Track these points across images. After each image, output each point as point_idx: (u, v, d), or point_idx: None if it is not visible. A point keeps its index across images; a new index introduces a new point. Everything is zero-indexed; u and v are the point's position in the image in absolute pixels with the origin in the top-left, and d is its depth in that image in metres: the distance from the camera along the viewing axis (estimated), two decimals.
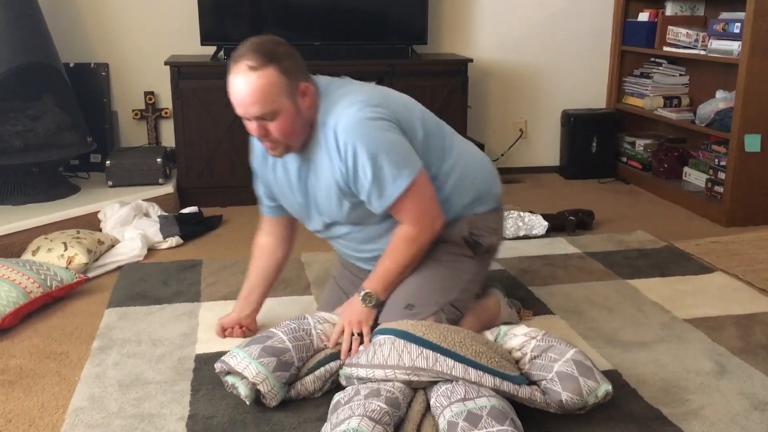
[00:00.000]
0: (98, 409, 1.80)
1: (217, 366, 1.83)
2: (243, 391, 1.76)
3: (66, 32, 3.73)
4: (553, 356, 1.78)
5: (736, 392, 1.89)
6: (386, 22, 3.86)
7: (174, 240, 3.04)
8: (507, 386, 1.71)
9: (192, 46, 3.77)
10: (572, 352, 1.79)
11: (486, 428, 1.55)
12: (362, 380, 1.78)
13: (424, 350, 1.74)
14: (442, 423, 1.62)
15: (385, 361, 1.75)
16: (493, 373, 1.71)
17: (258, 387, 1.75)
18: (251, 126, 1.81)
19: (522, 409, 1.71)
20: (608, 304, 2.44)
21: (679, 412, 1.79)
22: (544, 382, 1.75)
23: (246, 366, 1.76)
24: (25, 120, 3.26)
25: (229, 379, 1.80)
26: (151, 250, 2.99)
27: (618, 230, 3.27)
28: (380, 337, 1.81)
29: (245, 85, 1.75)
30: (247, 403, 1.78)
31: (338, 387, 1.87)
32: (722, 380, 1.95)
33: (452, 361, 1.72)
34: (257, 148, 2.01)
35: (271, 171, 2.01)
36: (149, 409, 1.80)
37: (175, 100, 3.55)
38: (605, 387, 1.73)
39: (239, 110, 1.80)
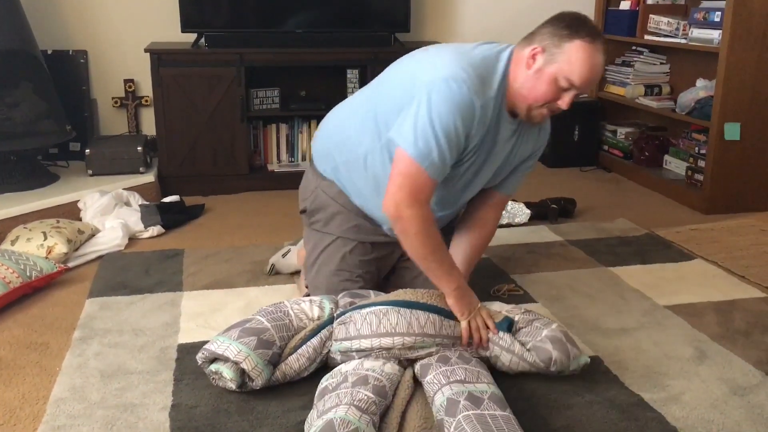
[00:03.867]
0: (80, 399, 1.78)
1: (199, 357, 1.82)
2: (228, 374, 1.75)
3: (44, 18, 3.67)
4: (539, 325, 1.89)
5: (716, 378, 1.91)
6: (369, 10, 3.84)
7: (155, 229, 3.02)
8: (505, 337, 1.85)
9: (172, 33, 3.73)
10: (555, 325, 1.91)
11: (488, 410, 1.57)
12: (363, 352, 1.80)
13: (431, 315, 1.83)
14: (440, 399, 1.63)
15: (393, 329, 1.80)
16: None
17: (242, 365, 1.74)
18: (567, 97, 1.83)
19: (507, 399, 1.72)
20: (590, 292, 2.45)
21: (660, 397, 1.82)
22: (531, 342, 1.85)
23: (227, 347, 1.76)
24: (3, 108, 3.20)
25: (213, 367, 1.79)
26: (132, 239, 2.96)
27: (600, 218, 3.29)
28: (382, 308, 1.85)
29: (601, 65, 1.82)
30: (234, 387, 1.77)
31: (324, 369, 1.87)
32: (702, 366, 1.97)
33: (454, 322, 1.85)
34: (477, 112, 1.83)
35: (482, 136, 1.91)
36: (131, 399, 1.79)
37: (156, 88, 3.52)
38: (585, 357, 1.87)
39: (584, 83, 1.80)
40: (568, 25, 1.80)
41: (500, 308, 1.97)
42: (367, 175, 2.02)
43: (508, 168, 2.07)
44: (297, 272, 2.54)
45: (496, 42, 1.95)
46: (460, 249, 2.14)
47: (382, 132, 1.93)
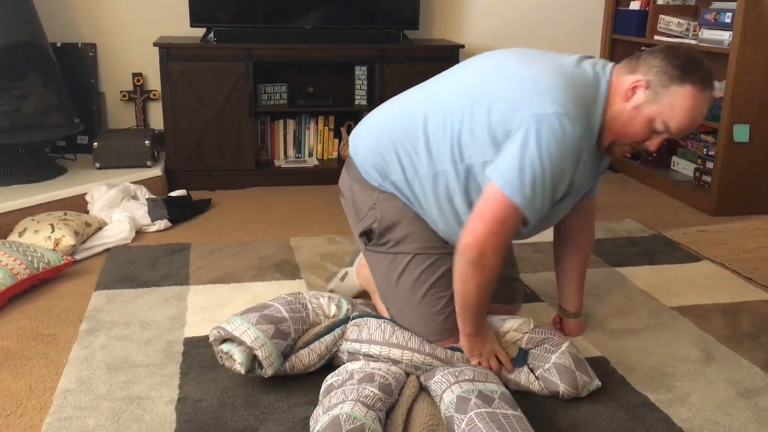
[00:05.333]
0: (86, 391, 1.79)
1: (213, 333, 1.80)
2: (239, 357, 1.74)
3: (53, 11, 3.67)
4: (548, 347, 1.84)
5: (723, 379, 1.91)
6: (378, 7, 3.83)
7: (162, 223, 3.02)
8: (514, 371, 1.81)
9: (181, 27, 3.73)
10: (566, 344, 1.85)
11: (500, 409, 1.57)
12: (370, 357, 1.80)
13: None
14: (449, 396, 1.63)
15: (405, 343, 1.80)
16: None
17: (256, 352, 1.73)
18: (657, 140, 1.68)
19: (515, 397, 1.72)
20: (596, 292, 2.45)
21: (666, 398, 1.81)
22: (540, 371, 1.80)
23: (244, 331, 1.75)
24: (12, 100, 3.21)
25: (225, 347, 1.78)
26: (139, 232, 2.97)
27: (607, 218, 3.28)
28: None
29: (705, 112, 1.65)
30: (242, 371, 1.76)
31: (331, 366, 1.87)
32: (709, 368, 1.97)
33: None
34: (584, 154, 1.68)
35: (582, 171, 1.73)
36: (138, 391, 1.79)
37: (164, 82, 3.52)
38: (596, 383, 1.80)
39: (679, 128, 1.64)
40: (682, 65, 1.61)
41: (510, 326, 1.90)
42: (439, 197, 1.78)
43: (593, 182, 1.94)
44: (360, 293, 2.30)
45: (592, 57, 1.75)
46: (570, 271, 2.05)
47: (464, 154, 1.70)
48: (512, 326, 1.90)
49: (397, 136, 1.80)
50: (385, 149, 1.82)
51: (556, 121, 1.57)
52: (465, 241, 1.64)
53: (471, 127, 1.68)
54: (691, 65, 1.61)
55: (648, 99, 1.63)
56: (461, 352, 1.83)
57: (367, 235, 1.90)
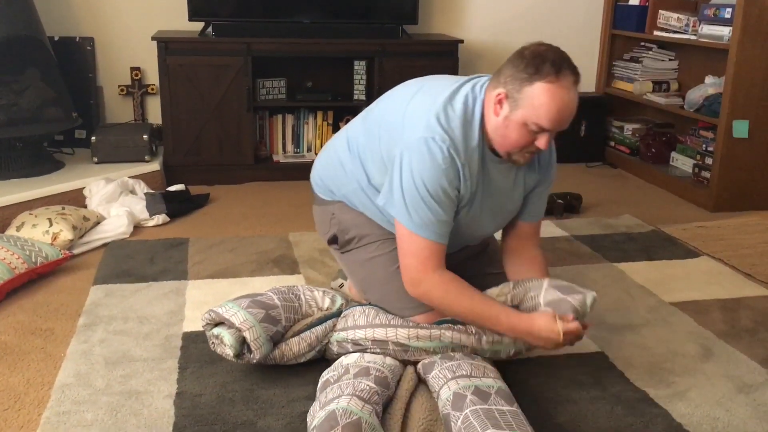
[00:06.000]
0: (85, 385, 1.78)
1: (205, 317, 1.82)
2: (228, 340, 1.76)
3: (51, 5, 3.65)
4: (532, 295, 1.81)
5: (721, 375, 1.91)
6: (377, 2, 3.82)
7: (160, 218, 3.02)
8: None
9: (179, 21, 3.72)
10: (546, 281, 1.82)
11: (496, 405, 1.56)
12: (357, 343, 1.80)
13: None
14: (446, 393, 1.63)
15: (388, 321, 1.81)
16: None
17: (244, 334, 1.75)
18: (542, 139, 1.69)
19: (513, 389, 1.72)
20: (595, 287, 2.44)
21: (665, 393, 1.81)
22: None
23: (234, 313, 1.77)
24: (9, 94, 3.20)
25: (216, 331, 1.80)
26: (137, 227, 2.96)
27: (605, 214, 3.28)
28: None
29: (571, 101, 1.66)
30: (231, 354, 1.76)
31: (324, 360, 1.87)
32: (707, 363, 1.97)
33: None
34: (461, 169, 1.75)
35: (475, 184, 1.80)
36: (136, 386, 1.79)
37: (162, 77, 3.51)
38: (591, 294, 1.78)
39: (552, 123, 1.66)
40: (527, 66, 1.65)
41: (493, 293, 1.85)
42: (367, 206, 1.95)
43: (520, 198, 1.93)
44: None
45: (476, 76, 1.84)
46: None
47: (369, 177, 1.89)
48: (495, 293, 1.86)
49: (329, 162, 2.05)
50: (324, 174, 2.07)
51: (423, 146, 1.69)
52: (405, 282, 1.78)
53: (371, 156, 1.87)
54: (536, 62, 1.65)
55: (511, 107, 1.68)
56: (448, 323, 1.81)
57: (335, 241, 2.05)
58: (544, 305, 1.77)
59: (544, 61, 1.65)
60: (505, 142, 1.73)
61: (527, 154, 1.76)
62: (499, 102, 1.70)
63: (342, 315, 1.91)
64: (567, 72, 1.65)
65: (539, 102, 1.64)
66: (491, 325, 1.76)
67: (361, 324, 1.82)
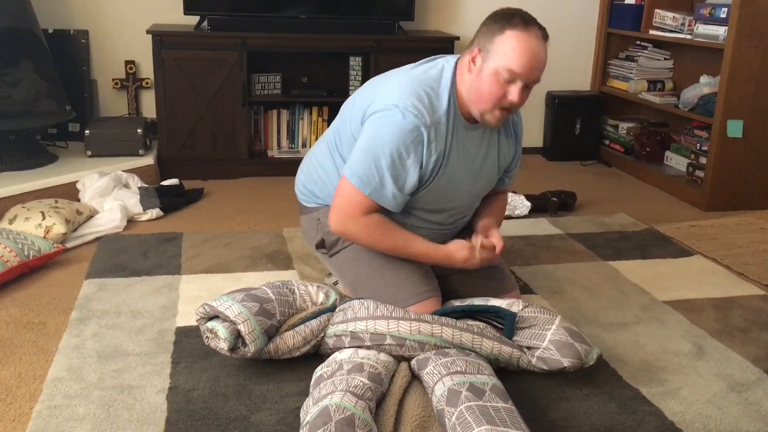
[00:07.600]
0: (77, 379, 1.77)
1: (199, 311, 1.82)
2: (223, 333, 1.75)
3: None
4: (540, 326, 1.85)
5: (714, 373, 1.91)
6: None
7: (154, 212, 3.01)
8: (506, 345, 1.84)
9: (175, 15, 3.70)
10: (558, 319, 1.87)
11: (491, 402, 1.56)
12: (357, 336, 1.80)
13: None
14: (440, 389, 1.63)
15: (389, 314, 1.82)
16: (492, 337, 1.82)
17: (239, 327, 1.75)
18: (514, 89, 1.79)
19: (508, 386, 1.72)
20: (589, 285, 2.45)
21: (658, 392, 1.82)
22: (539, 351, 1.82)
23: (229, 306, 1.77)
24: (2, 86, 3.18)
25: (210, 325, 1.79)
26: (131, 221, 2.95)
27: (600, 212, 3.28)
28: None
29: (540, 50, 1.78)
30: (225, 348, 1.76)
31: (317, 355, 1.87)
32: (700, 361, 1.98)
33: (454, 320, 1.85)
34: (425, 134, 1.83)
35: (442, 151, 1.88)
36: (129, 380, 1.78)
37: (157, 70, 3.49)
38: (596, 349, 1.83)
39: (524, 69, 1.76)
40: (499, 18, 1.79)
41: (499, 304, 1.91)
42: None
43: (495, 164, 2.04)
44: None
45: (440, 56, 1.96)
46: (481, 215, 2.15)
47: (346, 160, 1.96)
48: (503, 304, 1.91)
49: (309, 169, 2.16)
50: (306, 180, 2.17)
51: (389, 113, 1.80)
52: (331, 220, 1.92)
53: (346, 140, 1.97)
54: (506, 15, 1.79)
55: (483, 59, 1.80)
56: (450, 314, 1.86)
57: (322, 245, 2.10)
58: (548, 342, 1.82)
59: (514, 15, 1.79)
60: (479, 99, 1.83)
61: (498, 112, 1.84)
62: (473, 60, 1.82)
63: (339, 309, 1.91)
64: (535, 26, 1.79)
65: (509, 46, 1.75)
66: (412, 256, 1.92)
67: (361, 316, 1.83)
